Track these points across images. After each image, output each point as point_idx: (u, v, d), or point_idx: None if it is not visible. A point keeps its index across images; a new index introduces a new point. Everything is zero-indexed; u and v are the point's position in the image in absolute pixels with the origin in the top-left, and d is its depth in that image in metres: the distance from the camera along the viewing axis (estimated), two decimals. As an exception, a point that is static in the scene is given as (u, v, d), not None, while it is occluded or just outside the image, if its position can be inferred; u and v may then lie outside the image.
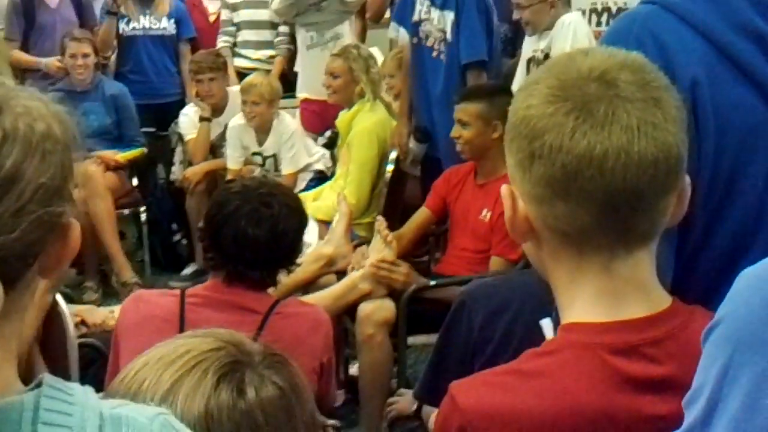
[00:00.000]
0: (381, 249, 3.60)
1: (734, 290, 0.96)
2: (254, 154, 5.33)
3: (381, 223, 3.68)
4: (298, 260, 2.39)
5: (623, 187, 1.10)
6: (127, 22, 6.17)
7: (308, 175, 5.31)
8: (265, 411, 1.27)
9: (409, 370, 3.62)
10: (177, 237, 6.13)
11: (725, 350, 0.92)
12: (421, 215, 4.04)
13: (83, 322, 3.34)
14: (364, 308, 3.51)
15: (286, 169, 5.23)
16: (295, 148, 5.23)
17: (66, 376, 2.85)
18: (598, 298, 1.16)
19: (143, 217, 5.83)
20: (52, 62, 5.88)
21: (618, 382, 1.11)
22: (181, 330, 2.17)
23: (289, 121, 5.28)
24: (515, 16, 4.42)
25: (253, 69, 6.05)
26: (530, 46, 4.34)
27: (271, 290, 2.59)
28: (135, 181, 5.99)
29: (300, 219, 2.34)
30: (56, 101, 0.94)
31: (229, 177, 5.35)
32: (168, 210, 6.19)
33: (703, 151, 1.31)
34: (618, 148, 1.09)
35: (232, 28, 6.35)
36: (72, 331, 2.89)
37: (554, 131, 1.12)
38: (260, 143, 5.28)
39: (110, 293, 5.60)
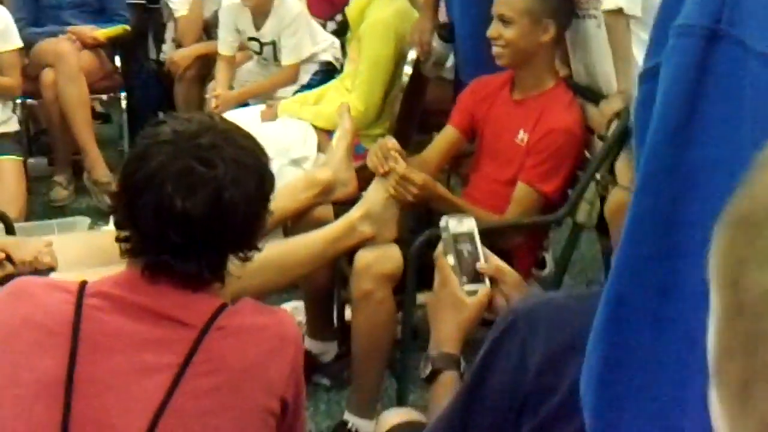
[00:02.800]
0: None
1: None
2: (250, 39, 4.53)
3: (391, 144, 2.90)
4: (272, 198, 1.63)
5: None
6: None
7: (313, 67, 4.50)
8: None
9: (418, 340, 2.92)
10: (163, 127, 5.37)
11: None
12: (447, 135, 3.27)
13: (8, 259, 2.67)
14: (363, 256, 2.78)
15: (286, 59, 4.43)
16: (298, 35, 4.41)
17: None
18: None
19: (123, 104, 5.08)
20: None
21: None
22: (74, 347, 1.46)
23: (292, 3, 4.45)
24: None
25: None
26: None
27: None
28: (118, 61, 5.22)
29: (258, 184, 1.56)
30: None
31: (219, 63, 4.60)
32: (155, 95, 5.45)
33: None
34: None
35: None
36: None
37: None
38: (257, 27, 4.46)
39: (83, 190, 4.92)
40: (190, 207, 1.48)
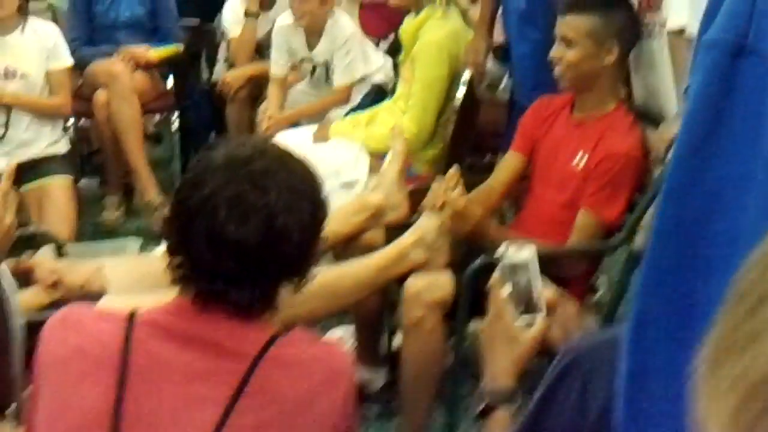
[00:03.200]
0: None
1: None
2: (303, 59, 4.51)
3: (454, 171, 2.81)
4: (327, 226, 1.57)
5: None
6: None
7: (365, 88, 4.48)
8: None
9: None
10: (214, 148, 5.35)
11: None
12: (512, 161, 3.17)
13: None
14: (414, 283, 2.71)
15: (338, 80, 4.41)
16: (350, 56, 4.39)
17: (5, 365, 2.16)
18: None
19: (175, 124, 5.08)
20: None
21: None
22: (123, 377, 1.41)
23: (345, 23, 4.43)
24: None
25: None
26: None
27: None
28: (171, 81, 5.21)
29: (311, 211, 1.52)
30: None
31: (271, 84, 4.58)
32: (207, 116, 5.44)
33: None
34: None
35: None
36: (15, 315, 2.16)
37: None
38: (310, 47, 4.45)
39: (134, 211, 4.92)
40: (243, 234, 1.44)
